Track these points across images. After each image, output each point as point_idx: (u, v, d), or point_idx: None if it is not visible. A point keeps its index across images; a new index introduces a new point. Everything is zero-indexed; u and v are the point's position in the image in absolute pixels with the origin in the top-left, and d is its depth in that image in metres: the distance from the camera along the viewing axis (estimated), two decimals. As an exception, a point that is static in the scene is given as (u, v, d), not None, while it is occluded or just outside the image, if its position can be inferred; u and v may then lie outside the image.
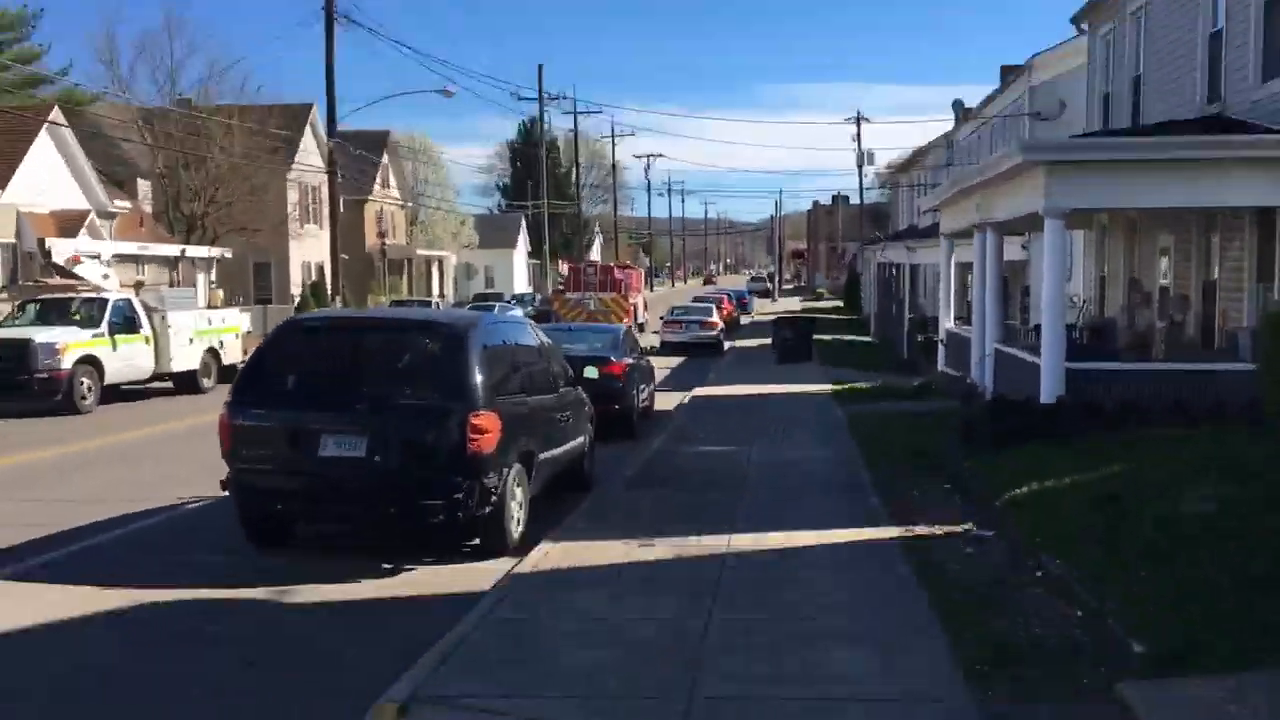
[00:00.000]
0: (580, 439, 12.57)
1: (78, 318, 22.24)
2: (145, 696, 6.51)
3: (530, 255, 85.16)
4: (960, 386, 19.72)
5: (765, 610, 7.61)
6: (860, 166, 67.25)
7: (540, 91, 68.94)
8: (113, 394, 22.37)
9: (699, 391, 23.89)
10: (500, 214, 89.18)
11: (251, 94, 48.24)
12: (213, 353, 25.07)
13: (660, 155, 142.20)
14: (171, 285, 28.32)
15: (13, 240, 32.00)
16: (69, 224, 36.43)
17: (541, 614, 7.54)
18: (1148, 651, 6.30)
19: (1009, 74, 32.20)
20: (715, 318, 38.98)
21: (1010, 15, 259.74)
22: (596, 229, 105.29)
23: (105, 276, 24.70)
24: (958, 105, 38.42)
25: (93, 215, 38.31)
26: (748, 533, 10.00)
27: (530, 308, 55.52)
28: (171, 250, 30.98)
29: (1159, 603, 6.94)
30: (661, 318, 41.80)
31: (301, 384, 9.64)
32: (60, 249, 24.64)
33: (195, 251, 31.49)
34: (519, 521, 9.90)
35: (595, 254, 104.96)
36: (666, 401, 22.05)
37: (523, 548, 9.56)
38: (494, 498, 9.29)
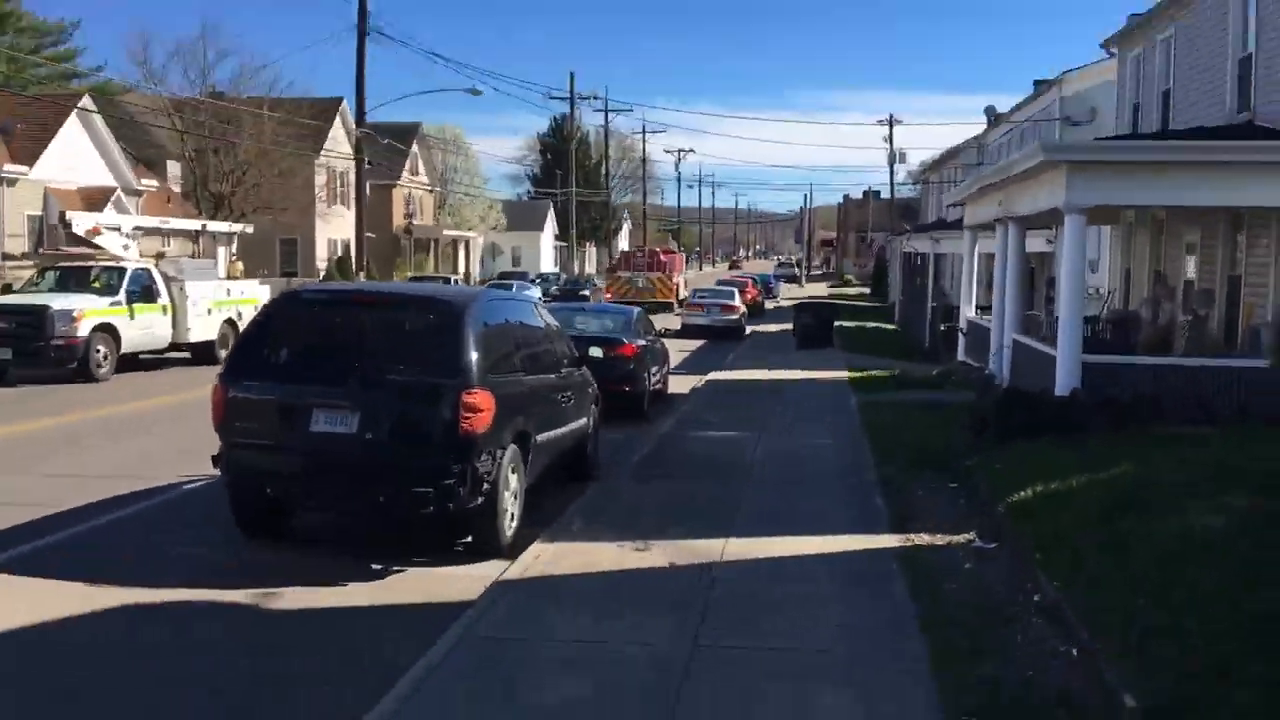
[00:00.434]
0: (583, 420, 12.28)
1: (96, 286, 22.44)
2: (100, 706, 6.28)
3: (557, 238, 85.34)
4: (978, 377, 19.55)
5: (753, 637, 7.31)
6: (891, 165, 69.40)
7: (571, 95, 70.27)
8: (130, 363, 22.64)
9: (715, 375, 23.72)
10: (529, 200, 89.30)
11: (281, 90, 48.50)
12: (231, 324, 25.13)
13: (691, 150, 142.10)
14: (193, 258, 28.45)
15: (39, 213, 32.62)
16: (95, 199, 37.31)
17: (521, 635, 7.30)
18: (1141, 706, 5.86)
19: (1041, 86, 32.76)
20: (737, 301, 39.02)
21: (1045, 30, 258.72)
22: (625, 215, 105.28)
23: (125, 248, 24.80)
24: (989, 111, 38.93)
25: (119, 192, 39.20)
26: (745, 536, 9.78)
27: (555, 287, 55.62)
28: (192, 224, 31.16)
29: (1158, 641, 6.54)
30: (682, 300, 42.03)
31: (296, 357, 9.44)
32: (80, 220, 24.64)
33: (216, 226, 32.08)
34: (513, 516, 9.66)
35: (624, 239, 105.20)
36: (682, 385, 21.92)
37: (517, 545, 9.37)
38: (486, 486, 9.01)
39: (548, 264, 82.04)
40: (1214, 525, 8.60)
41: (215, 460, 9.42)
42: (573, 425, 11.80)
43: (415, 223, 62.71)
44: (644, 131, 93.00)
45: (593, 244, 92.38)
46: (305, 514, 10.15)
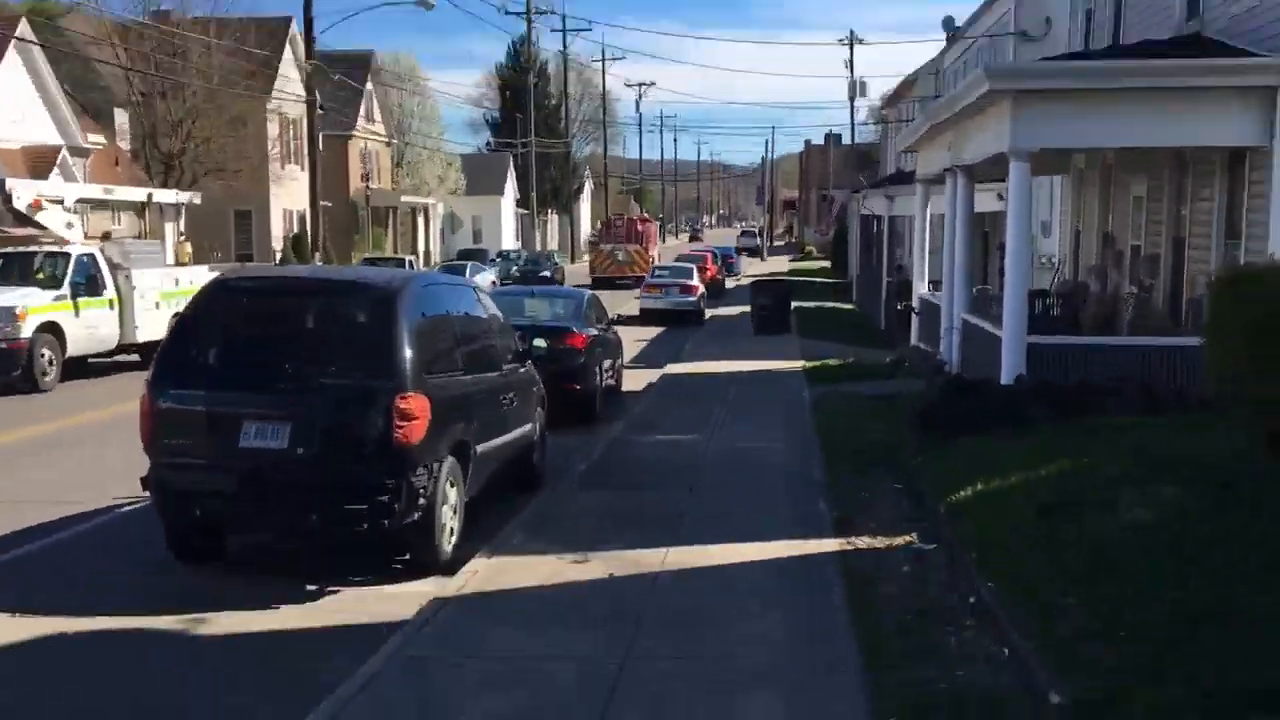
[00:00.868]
0: (528, 426, 11.62)
1: (40, 276, 19.84)
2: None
3: (518, 204, 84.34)
4: (929, 365, 19.11)
5: (686, 648, 7.35)
6: (852, 100, 64.66)
7: (529, 6, 67.83)
8: (75, 368, 20.45)
9: (670, 369, 23.43)
10: (488, 154, 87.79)
11: (228, 4, 47.02)
12: (181, 320, 23.46)
13: (652, 84, 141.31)
14: (140, 237, 25.50)
15: None
16: (41, 161, 34.07)
17: (452, 653, 7.30)
18: (1067, 702, 6.06)
19: None
20: (696, 281, 38.08)
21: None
22: (587, 173, 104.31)
23: (69, 225, 22.29)
24: (948, 23, 35.95)
25: (64, 152, 36.14)
26: (688, 545, 9.76)
27: (516, 267, 54.08)
28: (138, 195, 27.73)
29: (1087, 638, 6.69)
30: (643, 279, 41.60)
31: (226, 359, 8.83)
32: (22, 192, 21.76)
33: (163, 196, 28.44)
34: (452, 531, 9.47)
35: (585, 202, 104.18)
36: (637, 380, 21.41)
37: (456, 561, 9.27)
38: (423, 500, 8.66)
39: (509, 236, 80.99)
40: (1142, 520, 8.65)
41: (144, 482, 8.90)
42: (517, 431, 11.25)
43: (372, 186, 61.84)
44: (604, 59, 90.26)
45: (554, 211, 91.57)
46: (240, 535, 9.94)
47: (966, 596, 8.26)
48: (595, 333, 17.77)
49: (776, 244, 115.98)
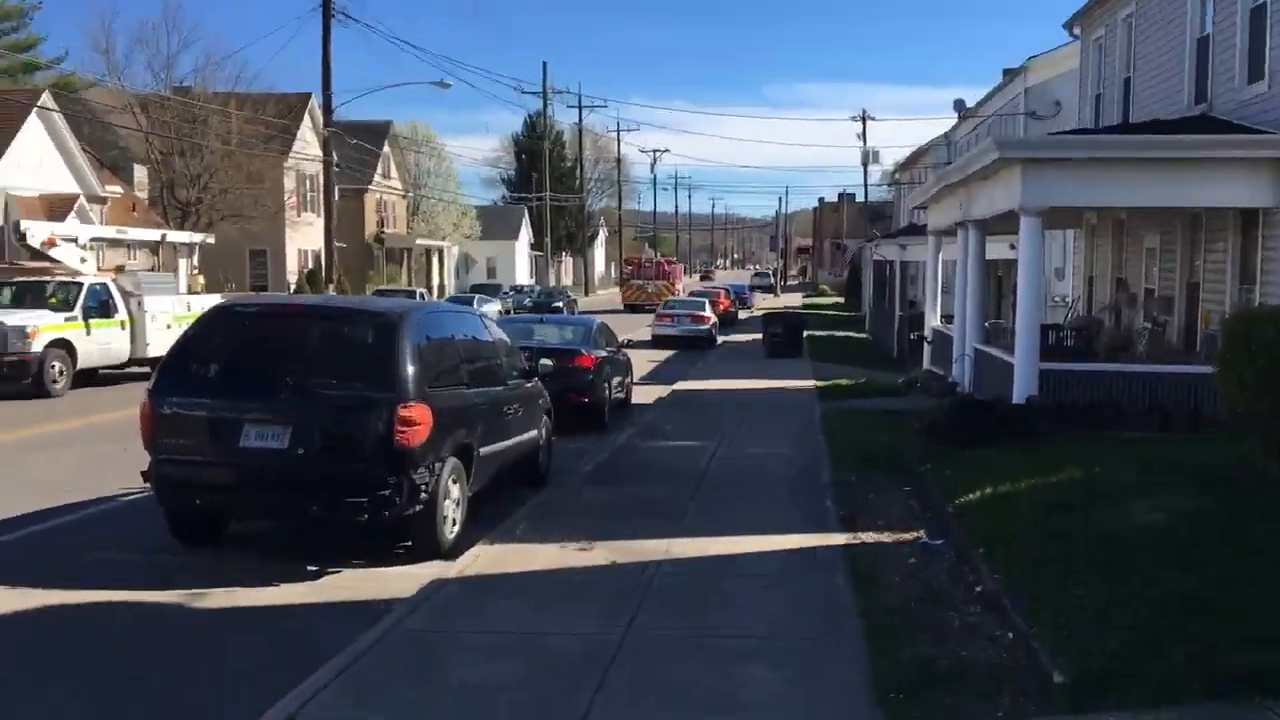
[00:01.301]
0: (533, 432, 12.29)
1: (53, 301, 22.23)
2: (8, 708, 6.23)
3: (533, 247, 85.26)
4: (941, 385, 19.51)
5: (686, 623, 7.31)
6: (865, 165, 67.88)
7: (545, 88, 70.44)
8: (89, 378, 22.37)
9: (680, 386, 23.62)
10: (504, 205, 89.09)
11: (248, 81, 47.78)
12: (192, 339, 24.64)
13: (666, 150, 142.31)
14: (153, 270, 28.08)
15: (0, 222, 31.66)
16: (58, 207, 36.24)
17: (452, 626, 7.25)
18: (1069, 681, 5.98)
19: (1008, 76, 32.46)
20: (707, 312, 38.72)
21: (1017, 17, 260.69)
22: (601, 222, 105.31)
23: (82, 260, 24.55)
24: (959, 104, 38.66)
25: (82, 199, 38.09)
26: (692, 536, 9.73)
27: (529, 299, 55.41)
28: (152, 235, 30.79)
29: (1090, 624, 6.63)
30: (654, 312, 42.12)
31: (227, 372, 9.27)
32: (36, 231, 24.09)
33: (176, 237, 31.31)
34: (454, 521, 9.57)
35: (599, 248, 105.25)
36: (647, 395, 21.82)
37: (458, 549, 9.27)
38: (424, 495, 8.94)
39: (523, 275, 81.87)
40: (1150, 521, 8.68)
41: (145, 475, 9.22)
42: (522, 436, 11.80)
43: (387, 231, 62.33)
44: (619, 129, 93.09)
45: (569, 254, 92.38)
46: (242, 522, 10.02)
47: (972, 586, 8.18)
48: (604, 354, 18.66)
49: (790, 282, 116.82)
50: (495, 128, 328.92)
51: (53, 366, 21.07)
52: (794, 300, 75.72)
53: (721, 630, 7.20)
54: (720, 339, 38.77)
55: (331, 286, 39.26)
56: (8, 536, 9.91)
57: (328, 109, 37.42)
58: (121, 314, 23.24)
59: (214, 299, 26.83)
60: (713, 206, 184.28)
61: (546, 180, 71.89)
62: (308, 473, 8.73)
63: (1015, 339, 14.73)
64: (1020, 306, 14.72)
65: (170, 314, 24.45)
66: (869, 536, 9.79)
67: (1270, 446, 9.93)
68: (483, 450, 10.36)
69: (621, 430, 16.94)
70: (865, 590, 8.03)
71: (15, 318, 20.97)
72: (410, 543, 9.33)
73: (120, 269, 26.05)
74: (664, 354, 33.44)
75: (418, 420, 8.78)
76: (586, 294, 77.96)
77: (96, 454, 14.37)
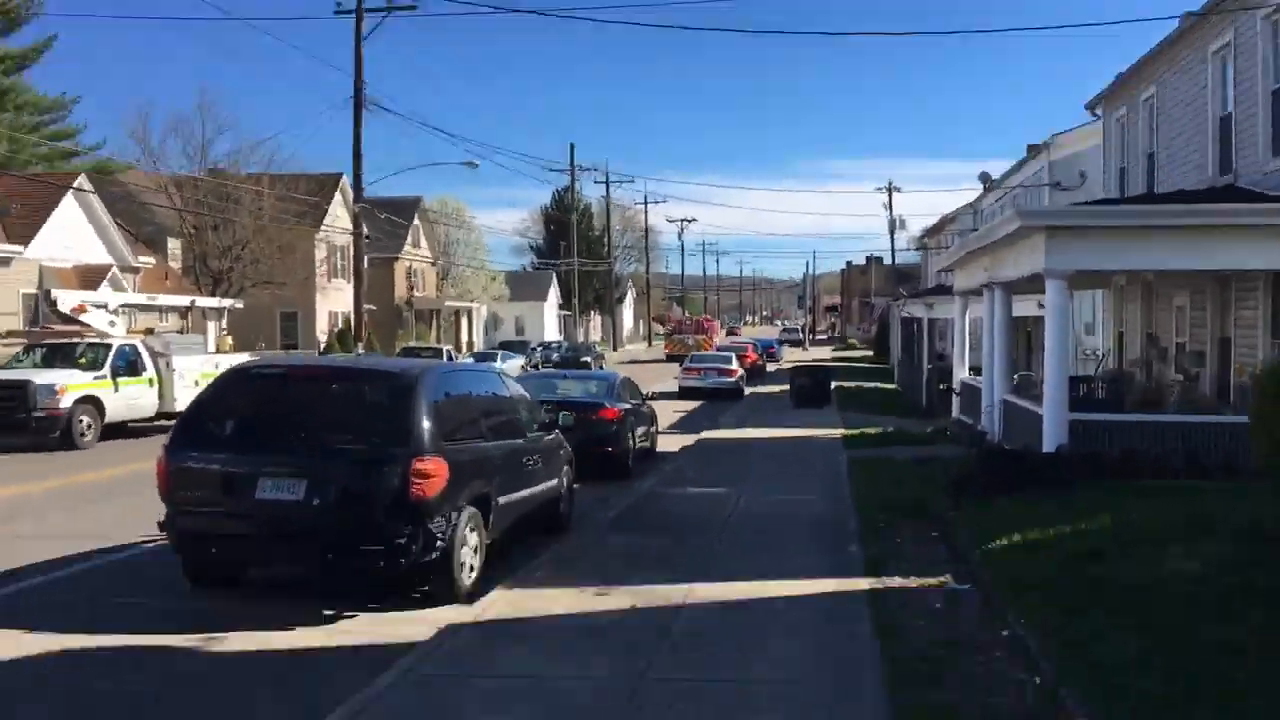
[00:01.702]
0: (553, 481, 12.39)
1: (82, 361, 23.40)
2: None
3: (561, 307, 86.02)
4: (970, 434, 19.43)
5: (704, 671, 7.14)
6: (892, 231, 71.27)
7: (572, 167, 72.88)
8: (119, 430, 23.29)
9: (707, 435, 23.57)
10: (532, 271, 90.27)
11: (280, 164, 48.63)
12: (219, 395, 25.09)
13: (693, 220, 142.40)
14: (182, 332, 29.29)
15: (35, 291, 33.11)
16: (92, 278, 37.77)
17: (465, 671, 7.13)
18: None
19: (1032, 150, 33.00)
20: (734, 365, 38.85)
21: (1041, 94, 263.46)
22: (629, 284, 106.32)
23: (111, 324, 25.63)
24: (984, 176, 40.04)
25: (115, 269, 39.59)
26: (714, 581, 9.59)
27: (557, 354, 55.83)
28: (181, 300, 32.35)
29: (1118, 677, 6.42)
30: (682, 363, 42.42)
31: (243, 428, 9.43)
32: (65, 299, 25.60)
33: (205, 302, 33.20)
34: (471, 568, 9.51)
35: (628, 308, 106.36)
36: (673, 443, 21.85)
37: (477, 594, 9.18)
38: (440, 543, 8.94)
39: (551, 332, 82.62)
40: (1182, 570, 8.53)
41: (161, 525, 9.30)
42: (542, 485, 11.88)
43: (417, 294, 63.08)
44: (645, 202, 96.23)
45: (597, 312, 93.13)
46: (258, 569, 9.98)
47: (999, 631, 7.98)
48: (628, 406, 18.82)
49: (819, 337, 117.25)
50: (524, 202, 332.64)
51: (80, 421, 21.88)
52: (823, 354, 76.11)
53: (740, 677, 7.04)
54: (748, 390, 38.77)
55: (361, 345, 39.61)
56: (32, 581, 9.97)
57: (358, 188, 38.17)
58: (149, 372, 24.38)
59: (243, 357, 28.04)
60: (740, 269, 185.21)
61: (575, 249, 73.55)
62: (324, 522, 8.78)
63: (1044, 389, 14.73)
64: (1048, 360, 14.84)
65: (198, 372, 25.19)
66: (894, 581, 9.61)
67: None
68: (501, 499, 10.40)
69: (646, 478, 16.95)
70: (889, 636, 7.84)
71: (45, 376, 21.98)
72: (427, 588, 9.24)
73: (149, 331, 27.08)
74: (691, 404, 33.51)
75: (433, 473, 8.85)
76: (615, 349, 79.09)
77: (120, 504, 14.45)
